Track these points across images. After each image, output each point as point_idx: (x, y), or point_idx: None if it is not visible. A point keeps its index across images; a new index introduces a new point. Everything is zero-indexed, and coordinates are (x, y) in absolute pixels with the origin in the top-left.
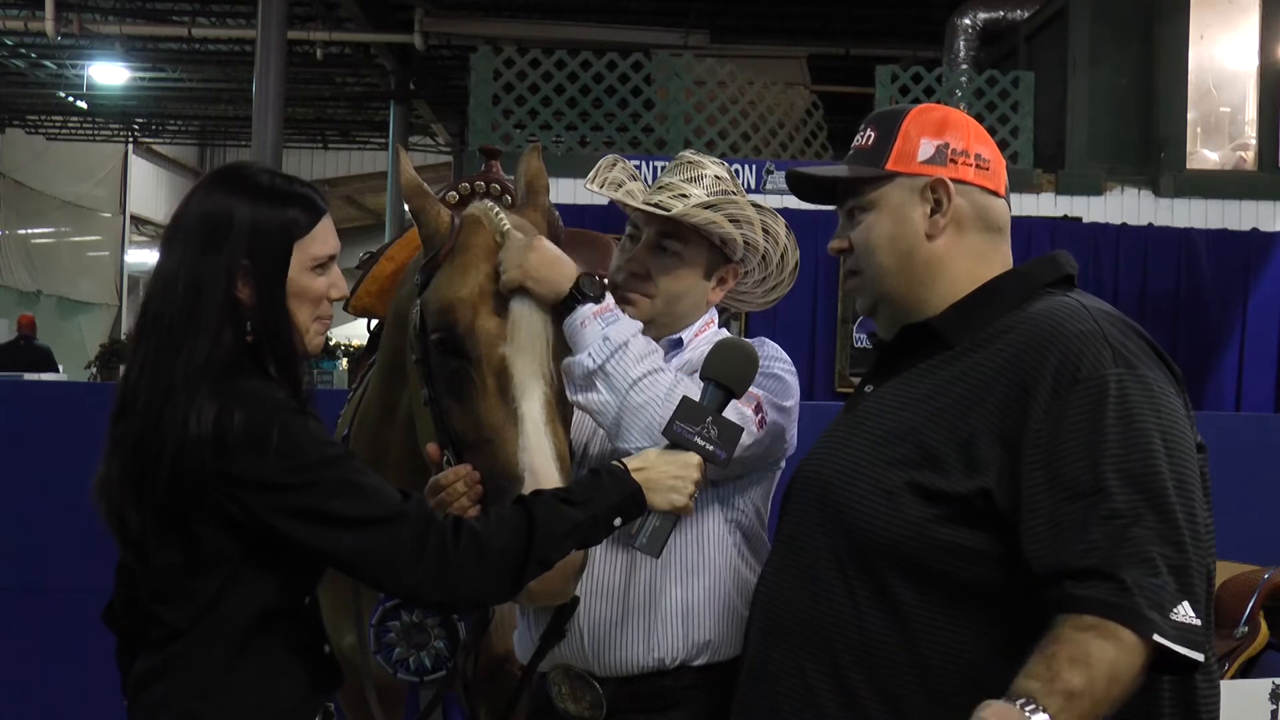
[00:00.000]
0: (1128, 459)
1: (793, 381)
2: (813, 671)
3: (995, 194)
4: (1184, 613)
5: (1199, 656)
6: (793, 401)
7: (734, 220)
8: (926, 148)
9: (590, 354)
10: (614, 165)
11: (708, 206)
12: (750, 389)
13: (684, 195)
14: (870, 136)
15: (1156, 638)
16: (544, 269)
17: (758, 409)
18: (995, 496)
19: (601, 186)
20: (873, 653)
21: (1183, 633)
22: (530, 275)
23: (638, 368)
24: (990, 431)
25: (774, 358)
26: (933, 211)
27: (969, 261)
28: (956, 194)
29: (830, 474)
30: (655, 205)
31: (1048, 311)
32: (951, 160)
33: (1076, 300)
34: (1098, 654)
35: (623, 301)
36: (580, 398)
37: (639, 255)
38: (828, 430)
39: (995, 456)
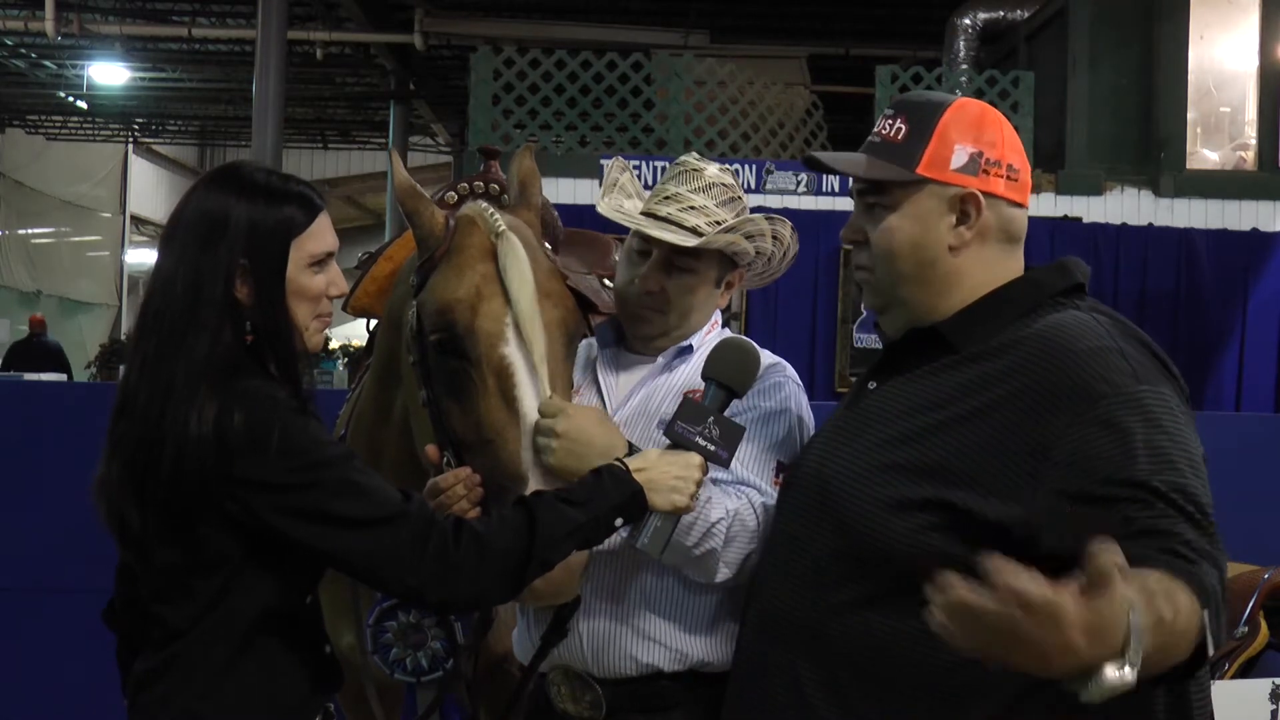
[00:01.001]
0: (1161, 473)
1: (806, 415)
2: (806, 671)
3: (1020, 205)
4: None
5: (1211, 652)
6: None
7: (749, 236)
8: (960, 155)
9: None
10: (612, 169)
11: (728, 229)
12: (776, 457)
13: (692, 206)
14: (901, 129)
15: (1205, 614)
16: (571, 460)
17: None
18: (1000, 511)
19: (610, 197)
20: (866, 654)
21: (1215, 628)
22: (559, 466)
23: (690, 538)
24: (1001, 447)
25: (787, 397)
26: (958, 222)
27: (984, 271)
28: (986, 208)
29: (830, 474)
30: (666, 221)
31: (1060, 326)
32: (984, 171)
33: (1089, 314)
34: (1185, 603)
35: (636, 319)
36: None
37: (653, 275)
38: (827, 425)
39: (1005, 471)
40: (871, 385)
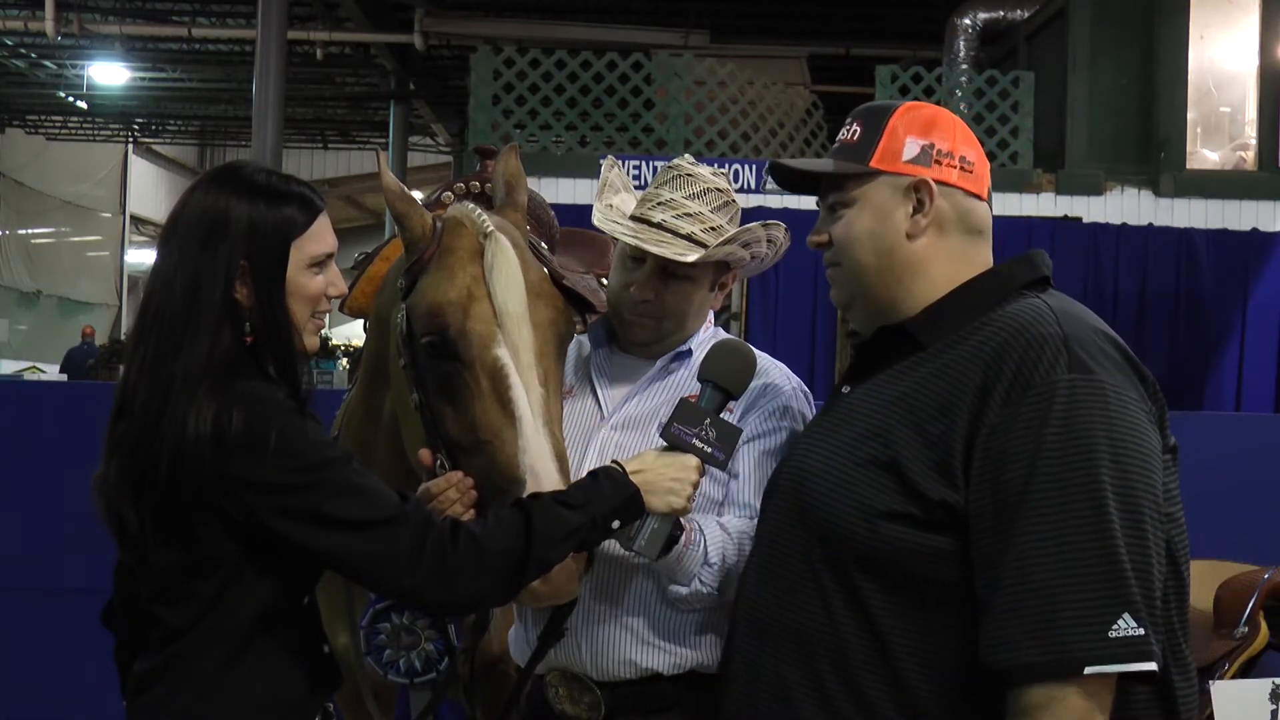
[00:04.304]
0: (1064, 466)
1: (800, 411)
2: (790, 673)
3: (978, 197)
4: (1123, 627)
5: (1148, 666)
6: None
7: (745, 244)
8: (912, 147)
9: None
10: (603, 170)
11: (727, 241)
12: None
13: (688, 213)
14: (856, 131)
15: (1090, 670)
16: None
17: None
18: (955, 503)
19: (601, 200)
20: (847, 655)
21: (1122, 648)
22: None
23: (715, 555)
24: (953, 435)
25: (788, 412)
26: (914, 211)
27: (948, 263)
28: (939, 195)
29: (805, 476)
30: (660, 227)
31: (1014, 314)
32: (936, 161)
33: (1044, 302)
34: None
35: (631, 326)
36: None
37: (648, 282)
38: (806, 430)
39: (958, 459)
40: (845, 389)
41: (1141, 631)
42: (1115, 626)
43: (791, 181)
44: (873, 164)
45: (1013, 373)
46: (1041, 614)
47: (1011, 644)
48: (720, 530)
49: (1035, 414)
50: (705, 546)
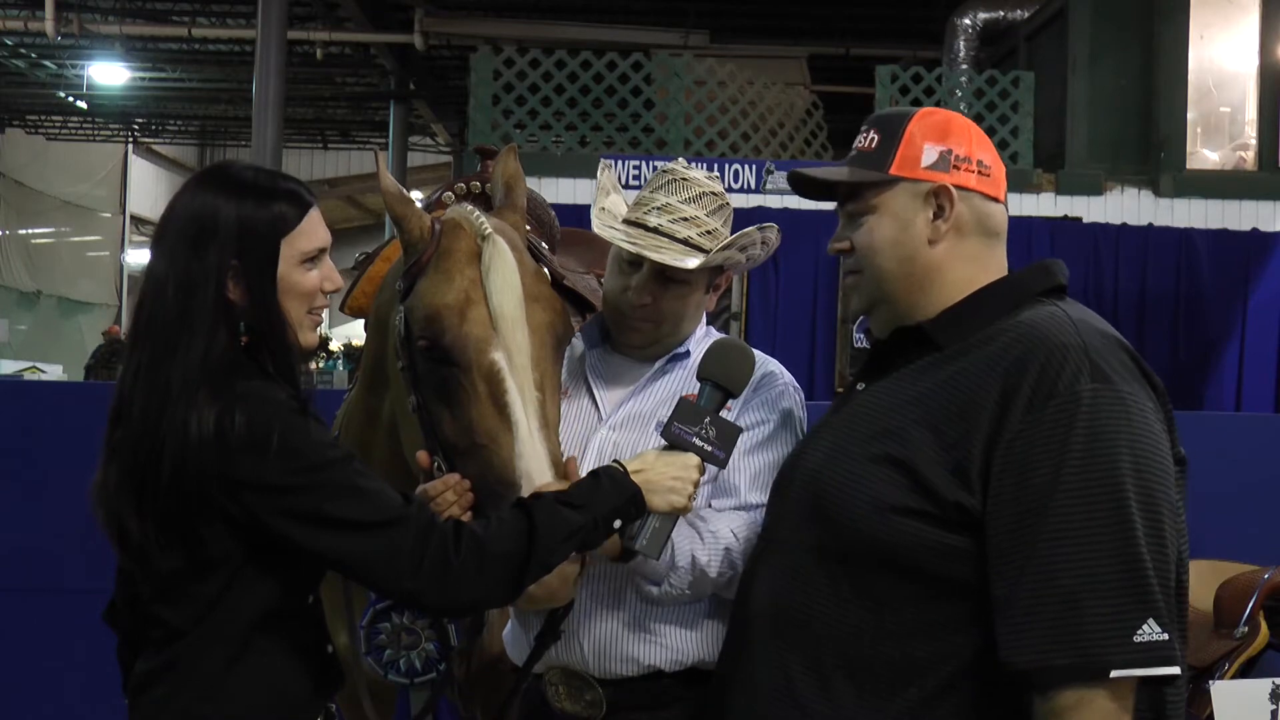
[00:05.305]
0: (1089, 474)
1: (799, 414)
2: (794, 661)
3: (995, 199)
4: (1148, 632)
5: (1172, 670)
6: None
7: (742, 248)
8: (930, 153)
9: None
10: (603, 170)
11: (726, 246)
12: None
13: (684, 218)
14: (873, 139)
15: (1115, 674)
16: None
17: None
18: (971, 506)
19: (595, 204)
20: (854, 649)
21: (1146, 653)
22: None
23: (683, 559)
24: (971, 440)
25: (789, 410)
26: (935, 217)
27: (967, 267)
28: (958, 200)
29: (821, 473)
30: (656, 231)
31: (1034, 322)
32: (955, 166)
33: (1064, 311)
34: None
35: (628, 329)
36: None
37: (645, 286)
38: (818, 426)
39: (975, 464)
40: (860, 386)
41: (1165, 636)
42: (1140, 631)
43: (811, 191)
44: (892, 171)
45: (1034, 382)
46: (1066, 617)
47: (1034, 646)
48: (691, 531)
49: (1060, 422)
50: (672, 552)
